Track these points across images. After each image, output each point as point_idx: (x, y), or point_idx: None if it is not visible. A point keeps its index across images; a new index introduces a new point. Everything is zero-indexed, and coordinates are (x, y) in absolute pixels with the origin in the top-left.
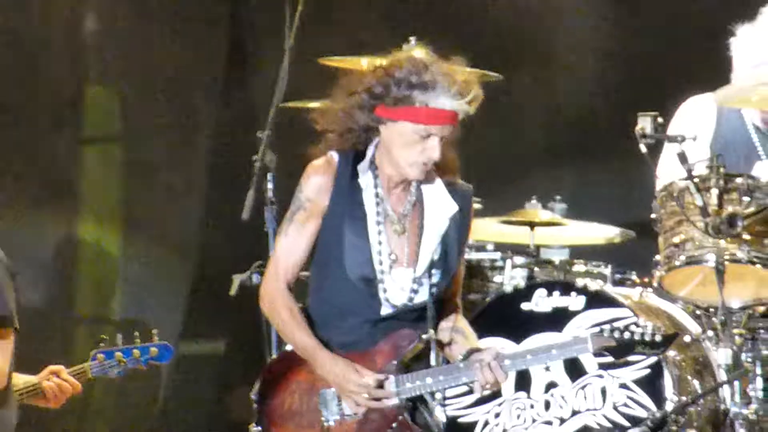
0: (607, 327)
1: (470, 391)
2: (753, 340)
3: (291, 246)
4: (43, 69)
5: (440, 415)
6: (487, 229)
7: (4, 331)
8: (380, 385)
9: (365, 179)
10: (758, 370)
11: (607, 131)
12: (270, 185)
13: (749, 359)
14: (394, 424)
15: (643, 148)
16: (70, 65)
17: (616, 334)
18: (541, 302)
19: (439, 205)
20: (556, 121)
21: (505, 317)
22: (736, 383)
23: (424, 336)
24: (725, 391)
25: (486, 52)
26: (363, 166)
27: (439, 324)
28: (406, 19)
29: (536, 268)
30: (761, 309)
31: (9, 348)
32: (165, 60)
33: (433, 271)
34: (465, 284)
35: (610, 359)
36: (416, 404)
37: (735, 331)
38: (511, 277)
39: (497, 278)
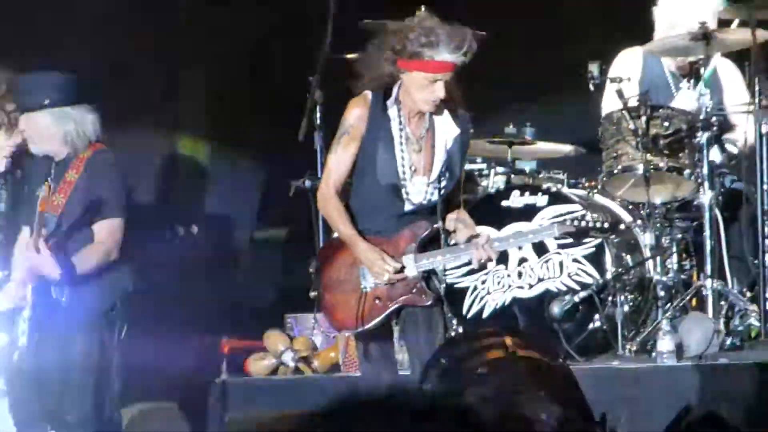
0: (568, 217)
1: (465, 265)
2: (670, 227)
3: (338, 161)
4: None
5: (442, 295)
6: (476, 147)
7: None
8: (399, 270)
9: (392, 111)
10: (674, 249)
11: (564, 73)
12: (318, 115)
13: (667, 241)
14: (413, 290)
15: (591, 87)
16: None
17: (575, 223)
18: (516, 200)
19: (446, 128)
20: (528, 67)
21: (490, 211)
22: (658, 258)
23: (435, 225)
24: (650, 264)
25: (474, 14)
26: (390, 102)
27: (447, 216)
28: None
29: (512, 176)
30: (676, 204)
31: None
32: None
33: (442, 177)
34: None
35: (567, 240)
36: (430, 276)
37: (657, 220)
38: (494, 182)
39: (484, 182)
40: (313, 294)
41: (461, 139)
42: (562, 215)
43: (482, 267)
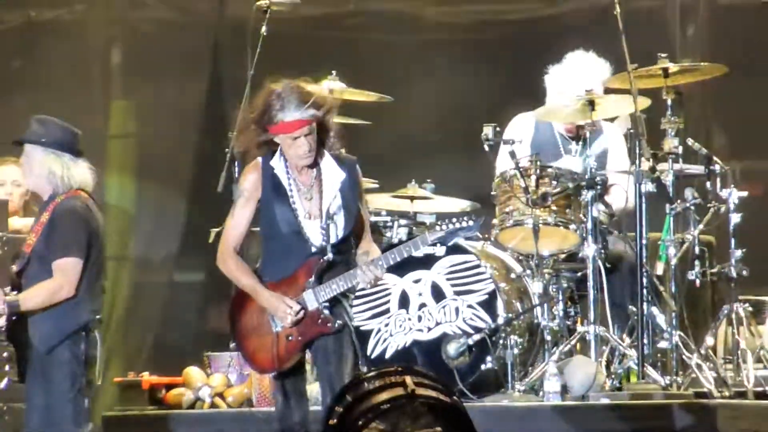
0: (438, 223)
1: (370, 309)
2: (557, 276)
3: (236, 223)
4: None
5: (349, 323)
6: (380, 201)
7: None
8: (299, 310)
9: (279, 169)
10: (560, 296)
11: (462, 136)
12: (237, 169)
13: (554, 289)
14: (319, 320)
15: (486, 147)
16: None
17: (444, 227)
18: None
19: (332, 174)
20: (428, 128)
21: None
22: (545, 305)
23: (325, 257)
24: (538, 311)
25: (382, 80)
26: (275, 161)
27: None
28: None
29: (414, 228)
30: (563, 256)
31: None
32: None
33: (336, 218)
34: None
35: (463, 288)
36: (334, 305)
37: (545, 270)
38: (397, 233)
39: (388, 234)
40: (232, 345)
41: (350, 181)
42: (457, 264)
43: (384, 312)
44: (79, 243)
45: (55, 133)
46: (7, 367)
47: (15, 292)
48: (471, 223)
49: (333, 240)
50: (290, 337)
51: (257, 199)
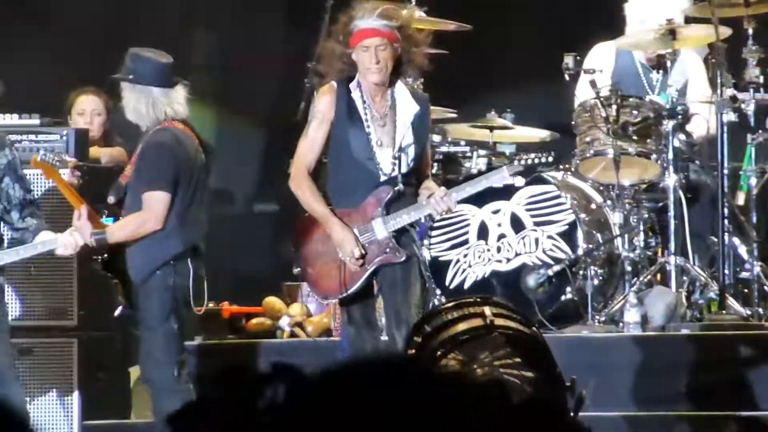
0: (516, 159)
1: (448, 240)
2: (637, 207)
3: (309, 144)
4: None
5: (426, 254)
6: (460, 131)
7: None
8: (361, 256)
9: (355, 94)
10: (640, 227)
11: (543, 64)
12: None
13: (634, 220)
14: (387, 250)
15: (566, 77)
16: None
17: (522, 162)
18: None
19: (406, 105)
20: (508, 57)
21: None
22: (626, 236)
23: (396, 188)
24: (618, 242)
25: (462, 9)
26: (353, 85)
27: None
28: None
29: (493, 158)
30: (643, 186)
31: None
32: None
33: (407, 150)
34: (445, 167)
35: (543, 219)
36: (401, 235)
37: (625, 200)
38: (476, 164)
39: (467, 164)
40: (296, 270)
41: (422, 115)
42: (537, 195)
43: (464, 242)
44: (165, 175)
45: (143, 67)
46: (119, 298)
47: (113, 220)
48: (550, 159)
49: (403, 170)
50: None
51: (330, 122)
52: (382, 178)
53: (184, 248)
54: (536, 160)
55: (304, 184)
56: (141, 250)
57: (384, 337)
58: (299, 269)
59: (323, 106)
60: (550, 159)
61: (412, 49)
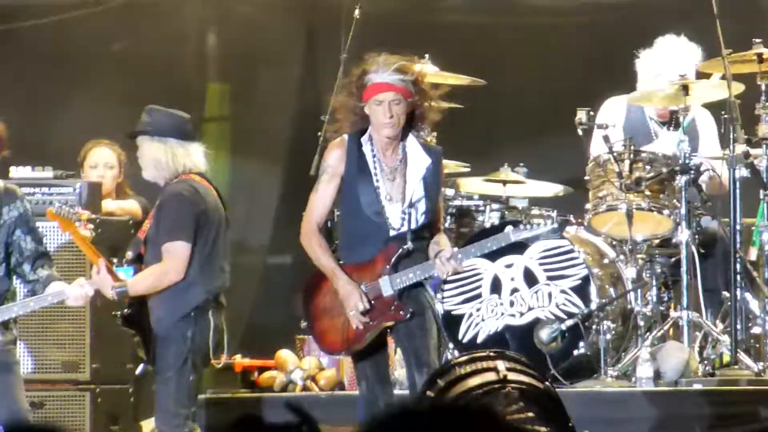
0: (521, 223)
1: (462, 293)
2: (650, 262)
3: (320, 198)
4: None
5: (439, 307)
6: (473, 185)
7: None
8: (366, 311)
9: (366, 148)
10: (653, 282)
11: (556, 119)
12: None
13: (647, 275)
14: (392, 308)
15: (579, 131)
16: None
17: (528, 227)
18: None
19: (418, 159)
20: (521, 111)
21: None
22: (639, 291)
23: (404, 246)
24: (631, 296)
25: (475, 64)
26: (364, 139)
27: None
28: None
29: (506, 212)
30: (656, 241)
31: None
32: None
33: (417, 205)
34: (458, 221)
35: (556, 273)
36: (411, 288)
37: (638, 255)
38: (489, 218)
39: (480, 218)
40: (303, 324)
41: (434, 169)
42: (550, 249)
43: (477, 296)
44: (185, 226)
45: (161, 121)
46: (139, 353)
47: (132, 270)
48: (555, 225)
49: (413, 226)
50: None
51: (341, 176)
52: (392, 233)
53: (206, 298)
54: (543, 225)
55: (314, 239)
56: (163, 301)
57: (402, 391)
58: (306, 323)
59: (333, 160)
60: (556, 224)
61: (424, 103)
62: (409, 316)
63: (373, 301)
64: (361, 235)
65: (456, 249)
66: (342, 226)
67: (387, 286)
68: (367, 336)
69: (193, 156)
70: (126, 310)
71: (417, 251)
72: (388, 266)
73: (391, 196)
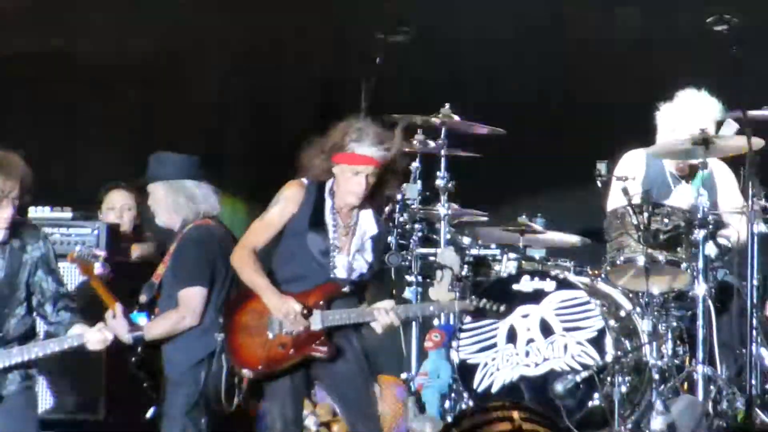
0: (469, 298)
1: (477, 342)
2: (666, 315)
3: (265, 227)
4: None
5: (454, 356)
6: (491, 234)
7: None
8: (305, 314)
9: (327, 200)
10: (669, 335)
11: (575, 171)
12: None
13: (663, 328)
14: (316, 342)
15: (598, 183)
16: None
17: (474, 302)
18: (526, 284)
19: (368, 226)
20: (540, 162)
21: (501, 294)
22: (654, 344)
23: (344, 289)
24: (646, 349)
25: (494, 113)
26: (326, 190)
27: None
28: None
29: (523, 262)
30: (673, 294)
31: None
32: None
33: (363, 258)
34: (475, 270)
35: (572, 324)
36: (337, 332)
37: (654, 308)
38: (506, 267)
39: (497, 267)
40: (220, 337)
41: (378, 238)
42: (566, 300)
43: (492, 346)
44: (201, 271)
45: (172, 164)
46: (152, 396)
47: (146, 315)
48: (501, 309)
49: (354, 277)
50: (281, 347)
51: (292, 214)
52: (332, 276)
53: (222, 344)
54: (488, 305)
55: (250, 259)
56: (180, 346)
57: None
58: (222, 336)
59: (290, 197)
60: (502, 308)
61: (389, 176)
62: (328, 356)
63: (301, 330)
64: (302, 274)
65: (396, 305)
66: (280, 264)
67: (317, 321)
68: (285, 363)
69: (210, 199)
70: (139, 354)
71: (351, 298)
72: (321, 302)
73: (340, 249)
